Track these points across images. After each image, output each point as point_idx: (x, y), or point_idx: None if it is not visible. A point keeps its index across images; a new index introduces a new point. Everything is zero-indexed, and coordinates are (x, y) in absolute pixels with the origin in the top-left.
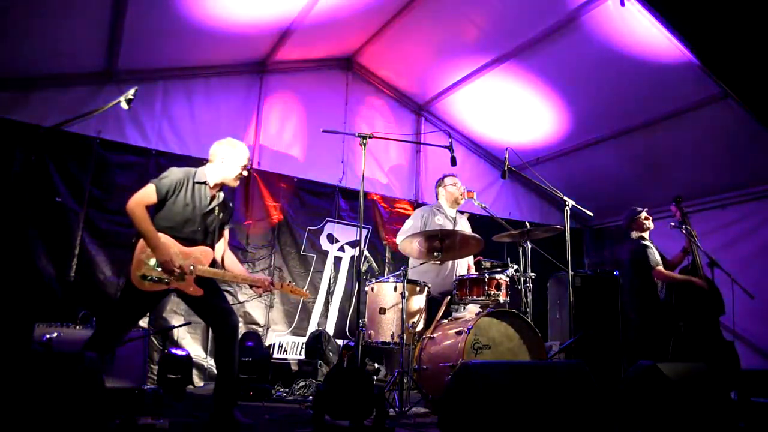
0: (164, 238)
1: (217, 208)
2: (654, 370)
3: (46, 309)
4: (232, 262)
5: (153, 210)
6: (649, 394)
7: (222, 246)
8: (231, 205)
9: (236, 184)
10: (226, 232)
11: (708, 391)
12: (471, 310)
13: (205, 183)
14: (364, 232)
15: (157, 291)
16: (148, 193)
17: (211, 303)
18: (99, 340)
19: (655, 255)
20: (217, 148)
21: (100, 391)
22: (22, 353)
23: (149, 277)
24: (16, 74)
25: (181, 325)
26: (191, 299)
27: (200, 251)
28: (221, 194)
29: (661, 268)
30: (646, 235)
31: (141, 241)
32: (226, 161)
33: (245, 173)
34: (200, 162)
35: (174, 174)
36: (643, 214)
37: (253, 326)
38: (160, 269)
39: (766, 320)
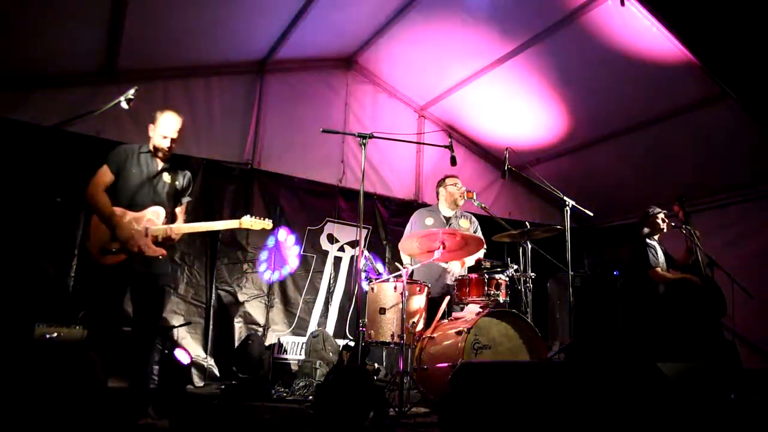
0: (118, 211)
1: (166, 173)
2: (652, 370)
3: (46, 309)
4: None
5: (112, 187)
6: (647, 393)
7: (180, 219)
8: (188, 175)
9: (166, 150)
10: (183, 205)
11: (706, 390)
12: (471, 310)
13: (149, 152)
14: (364, 232)
15: (123, 262)
16: (102, 173)
17: (145, 306)
18: (96, 339)
19: (655, 256)
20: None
21: (100, 388)
22: (23, 350)
23: (109, 250)
24: (16, 74)
25: (181, 325)
26: (136, 291)
27: (151, 212)
28: (168, 163)
29: (658, 269)
30: (656, 236)
31: (94, 218)
32: (155, 129)
33: (167, 142)
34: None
35: (121, 148)
36: (661, 215)
37: (253, 326)
38: (117, 242)
39: (766, 320)
